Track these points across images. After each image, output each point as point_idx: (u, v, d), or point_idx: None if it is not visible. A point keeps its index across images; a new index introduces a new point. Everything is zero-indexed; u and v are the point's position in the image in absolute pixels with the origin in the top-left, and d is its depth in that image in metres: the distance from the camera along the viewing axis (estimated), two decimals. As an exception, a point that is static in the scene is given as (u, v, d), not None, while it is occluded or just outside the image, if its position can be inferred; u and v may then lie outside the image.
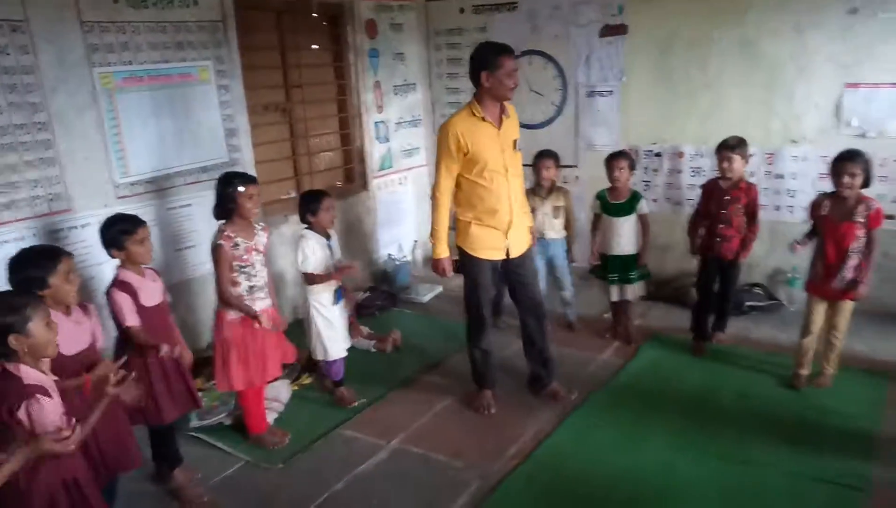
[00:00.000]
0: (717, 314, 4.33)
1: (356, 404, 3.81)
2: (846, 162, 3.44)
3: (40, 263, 2.43)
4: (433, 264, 3.60)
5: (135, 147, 3.95)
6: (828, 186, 4.53)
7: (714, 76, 4.88)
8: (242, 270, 3.27)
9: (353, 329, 4.26)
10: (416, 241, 6.18)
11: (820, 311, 3.63)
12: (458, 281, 5.67)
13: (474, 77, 3.31)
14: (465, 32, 5.82)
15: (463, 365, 4.22)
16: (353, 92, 5.48)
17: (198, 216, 4.29)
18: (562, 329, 4.63)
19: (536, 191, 4.44)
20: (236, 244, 3.23)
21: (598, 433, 3.41)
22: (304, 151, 5.22)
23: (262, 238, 3.37)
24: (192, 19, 4.17)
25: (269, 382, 3.50)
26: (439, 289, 5.55)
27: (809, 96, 4.58)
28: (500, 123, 3.38)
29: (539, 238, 4.36)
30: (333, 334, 3.73)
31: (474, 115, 3.33)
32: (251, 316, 3.23)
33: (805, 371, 3.70)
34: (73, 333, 2.48)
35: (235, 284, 3.26)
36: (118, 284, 2.86)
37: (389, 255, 5.83)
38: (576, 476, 3.10)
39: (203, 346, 4.32)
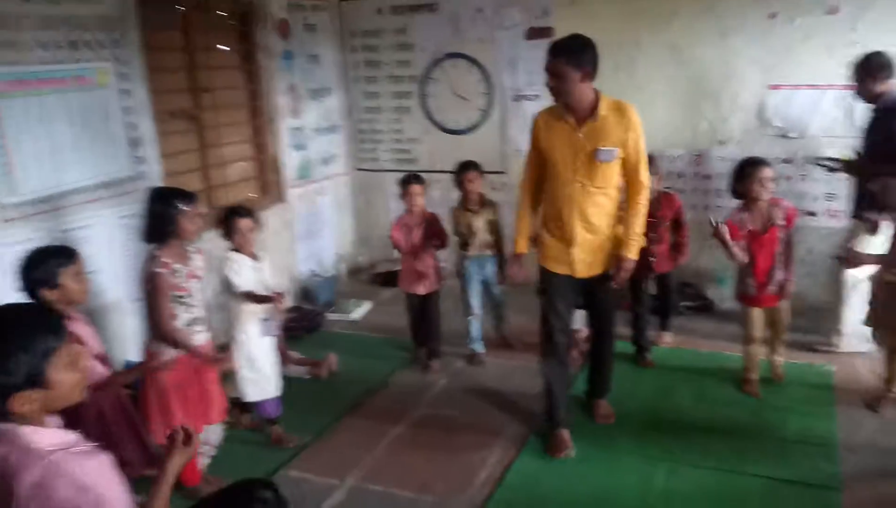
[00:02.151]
0: (661, 317, 4.31)
1: (296, 443, 3.44)
2: (764, 167, 3.44)
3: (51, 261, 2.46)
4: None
5: (23, 161, 3.39)
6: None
7: (642, 79, 4.88)
8: (181, 300, 2.85)
9: (282, 357, 3.90)
10: (338, 254, 5.83)
11: (759, 318, 3.63)
12: (388, 294, 5.46)
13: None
14: (384, 34, 5.56)
15: (410, 385, 3.98)
16: (266, 97, 5.08)
17: (98, 239, 3.78)
18: (500, 347, 4.41)
19: (468, 206, 4.13)
20: (175, 271, 2.82)
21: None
22: (215, 162, 4.76)
23: (198, 262, 2.98)
24: (88, 14, 3.66)
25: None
26: (369, 304, 5.24)
27: (735, 98, 4.67)
28: (581, 123, 2.99)
29: (477, 256, 4.16)
30: (253, 374, 3.34)
31: (556, 111, 3.05)
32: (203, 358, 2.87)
33: (755, 376, 3.70)
34: (89, 334, 2.50)
35: (172, 317, 2.84)
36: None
37: (312, 271, 5.46)
38: (554, 497, 2.93)
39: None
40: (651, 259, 3.97)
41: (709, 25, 4.62)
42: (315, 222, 5.61)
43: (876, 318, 3.35)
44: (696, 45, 4.69)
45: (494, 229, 4.16)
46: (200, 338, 2.95)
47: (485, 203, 4.15)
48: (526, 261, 3.38)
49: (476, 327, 4.27)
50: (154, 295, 2.78)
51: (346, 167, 5.97)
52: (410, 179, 4.06)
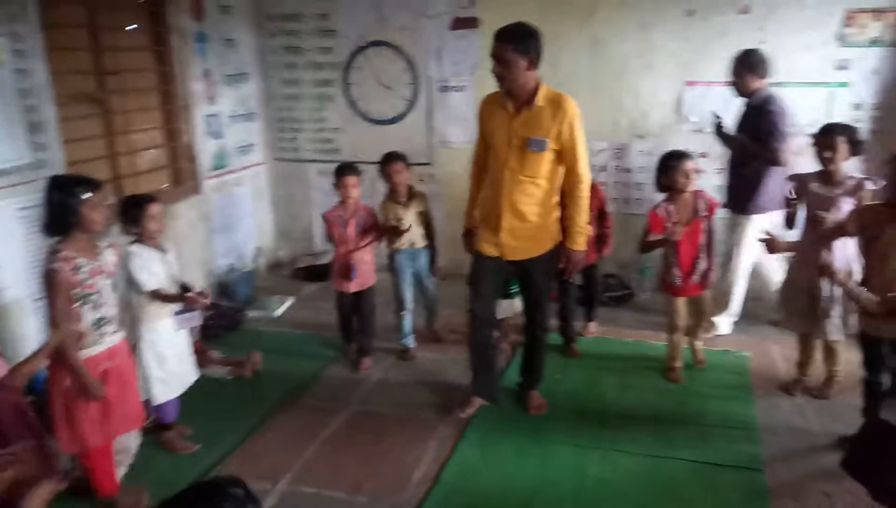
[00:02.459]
0: (586, 307, 4.38)
1: (194, 450, 3.25)
2: (687, 159, 3.55)
3: None
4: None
5: None
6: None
7: (566, 73, 4.91)
8: (88, 298, 2.62)
9: (201, 357, 3.71)
10: (258, 248, 5.61)
11: (683, 307, 3.74)
12: (311, 289, 5.29)
13: None
14: (304, 19, 5.37)
15: (340, 383, 3.87)
16: (180, 81, 4.80)
17: (-5, 232, 3.46)
18: (429, 341, 4.35)
19: (395, 198, 4.04)
20: (78, 267, 2.58)
21: (501, 444, 3.24)
22: (123, 150, 4.46)
23: (109, 257, 2.75)
24: (-23, -15, 3.33)
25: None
26: (291, 299, 5.07)
27: (654, 93, 4.80)
28: (518, 110, 3.01)
29: (407, 249, 4.09)
30: (163, 373, 3.13)
31: (499, 98, 3.09)
32: (87, 387, 2.60)
33: (678, 364, 3.81)
34: None
35: (78, 317, 2.60)
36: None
37: (230, 265, 5.22)
38: (491, 492, 2.91)
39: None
40: None
41: (630, 19, 4.73)
42: (232, 214, 5.37)
43: (787, 305, 3.51)
44: (618, 38, 4.79)
45: (424, 220, 4.09)
46: (111, 339, 2.74)
47: (413, 195, 4.07)
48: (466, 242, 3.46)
49: (408, 321, 4.20)
50: (50, 293, 2.55)
51: (264, 157, 5.75)
52: (345, 170, 3.91)
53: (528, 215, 3.12)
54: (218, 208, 5.19)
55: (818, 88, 4.49)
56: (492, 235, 3.19)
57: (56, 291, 2.54)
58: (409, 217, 4.01)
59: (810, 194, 3.35)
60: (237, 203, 5.43)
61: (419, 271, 4.16)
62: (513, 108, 3.03)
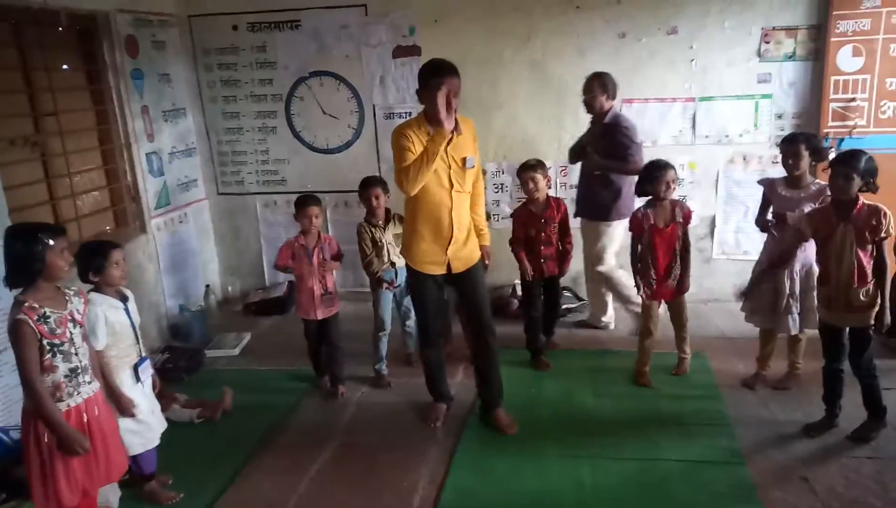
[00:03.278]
0: (547, 323, 4.49)
1: (179, 499, 3.13)
2: (668, 169, 3.76)
3: None
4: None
5: None
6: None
7: (506, 95, 5.10)
8: (58, 349, 2.48)
9: (164, 401, 3.57)
10: (207, 286, 5.44)
11: (657, 312, 3.93)
12: (266, 324, 5.18)
13: (418, 94, 3.24)
14: (242, 52, 5.31)
15: (318, 416, 3.82)
16: (118, 119, 4.64)
17: (-60, 288, 3.22)
18: (399, 364, 4.39)
19: (372, 221, 4.10)
20: (45, 317, 2.45)
21: (494, 462, 3.28)
22: (65, 193, 4.26)
23: (77, 305, 2.61)
24: None
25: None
26: (248, 335, 4.94)
27: (594, 112, 5.01)
28: (448, 139, 3.17)
29: (387, 269, 4.13)
30: (134, 424, 2.97)
31: (421, 128, 3.23)
32: (69, 442, 2.46)
33: (647, 368, 3.98)
34: None
35: (50, 369, 2.47)
36: None
37: (181, 306, 5.05)
38: (495, 511, 2.94)
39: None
40: (542, 261, 4.16)
41: (566, 44, 4.94)
42: (179, 252, 5.21)
43: (752, 302, 3.75)
44: (556, 61, 4.99)
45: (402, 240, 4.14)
46: (88, 390, 2.61)
47: (390, 217, 4.14)
48: None
49: (384, 345, 4.21)
50: (18, 347, 2.42)
51: (206, 192, 5.61)
52: (308, 201, 3.90)
53: (467, 226, 3.45)
54: (164, 248, 5.02)
55: (745, 100, 4.84)
56: (439, 254, 3.39)
57: (22, 343, 2.40)
58: (388, 238, 4.09)
59: (777, 196, 3.64)
60: (183, 241, 5.27)
61: (401, 290, 4.20)
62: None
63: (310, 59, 5.24)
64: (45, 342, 2.44)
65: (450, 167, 3.27)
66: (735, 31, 4.75)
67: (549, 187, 4.33)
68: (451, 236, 3.36)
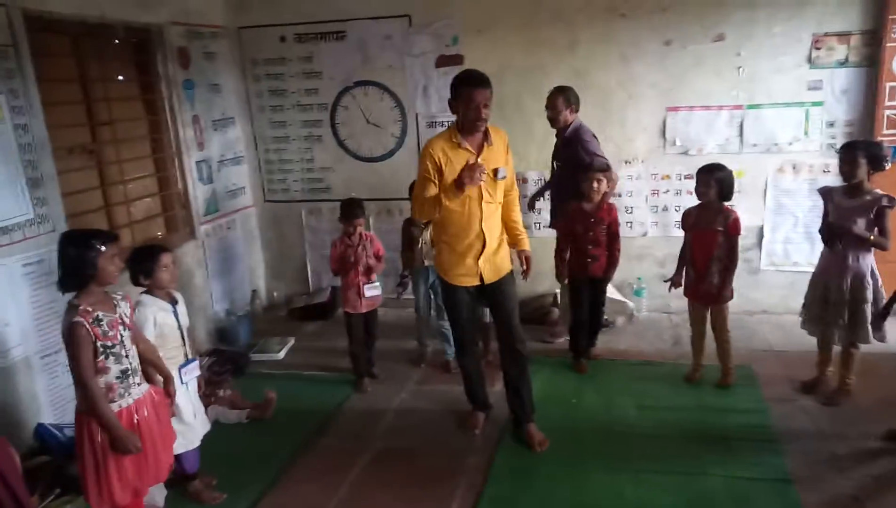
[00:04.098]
0: (589, 331, 4.45)
1: (222, 499, 3.20)
2: (702, 173, 3.81)
3: None
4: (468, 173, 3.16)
5: (-89, 208, 2.98)
6: (659, 201, 5.05)
7: (548, 104, 5.07)
8: (110, 351, 2.57)
9: (211, 400, 3.71)
10: (253, 291, 5.56)
11: (700, 312, 3.93)
12: (310, 329, 5.26)
13: (450, 104, 3.25)
14: (289, 62, 5.42)
15: (359, 419, 3.87)
16: (170, 128, 4.79)
17: (2, 289, 3.39)
18: (438, 370, 4.44)
19: (415, 221, 4.26)
20: (98, 320, 2.53)
21: (531, 473, 3.26)
22: (119, 200, 4.41)
23: (125, 309, 2.70)
24: (-25, 43, 3.30)
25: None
26: (292, 340, 5.03)
27: (638, 120, 4.97)
28: (480, 150, 3.24)
29: (421, 267, 4.32)
30: (179, 424, 3.05)
31: (452, 140, 3.23)
32: (121, 441, 2.54)
33: (700, 366, 4.01)
34: None
35: (103, 371, 2.56)
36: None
37: (227, 310, 5.17)
38: (533, 522, 2.93)
39: (23, 451, 3.36)
40: (588, 260, 4.13)
41: (610, 52, 4.90)
42: (226, 258, 5.33)
43: (808, 310, 3.71)
44: (599, 70, 4.96)
45: None
46: (138, 391, 2.70)
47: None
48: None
49: (423, 329, 4.51)
50: (73, 348, 2.49)
51: (253, 199, 5.73)
52: (356, 211, 4.11)
53: (498, 236, 3.43)
54: (212, 253, 5.15)
55: (794, 107, 4.72)
56: (471, 266, 3.38)
57: (79, 345, 2.48)
58: (424, 238, 4.25)
59: (833, 205, 3.58)
60: (230, 247, 5.39)
61: (434, 287, 4.34)
62: (473, 146, 3.25)
63: (354, 70, 5.32)
64: (98, 344, 2.52)
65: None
66: (784, 38, 4.65)
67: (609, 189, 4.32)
68: (483, 247, 3.34)
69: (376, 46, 5.25)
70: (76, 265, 2.52)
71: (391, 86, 5.31)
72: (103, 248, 2.55)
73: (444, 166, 3.22)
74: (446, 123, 5.18)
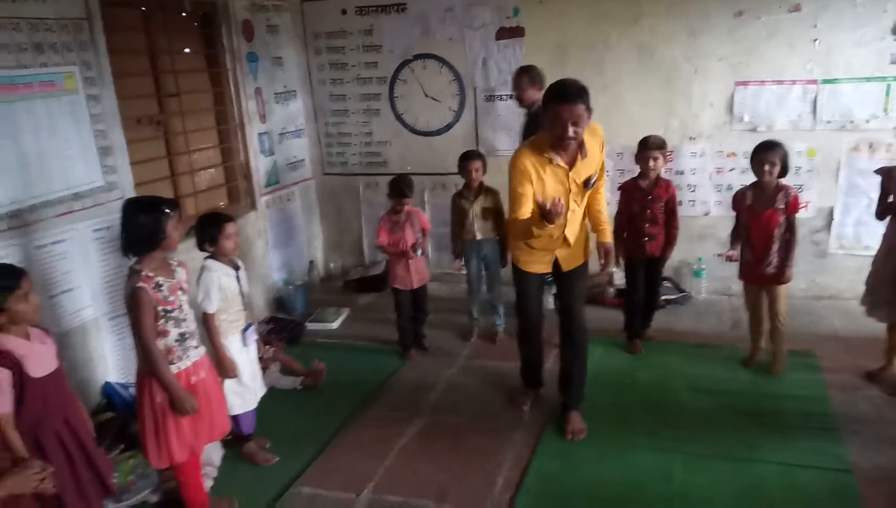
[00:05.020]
0: (644, 311, 4.36)
1: (275, 461, 3.31)
2: (766, 151, 3.62)
3: None
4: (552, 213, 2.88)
5: (-9, 173, 3.15)
6: (724, 179, 4.86)
7: (611, 78, 4.95)
8: (170, 315, 2.67)
9: (269, 362, 3.84)
10: (311, 262, 5.68)
11: (757, 295, 3.81)
12: (364, 301, 5.35)
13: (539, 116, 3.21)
14: (349, 35, 5.45)
15: (408, 390, 3.92)
16: (234, 101, 4.90)
17: (74, 254, 3.56)
18: (485, 342, 4.47)
19: (464, 194, 4.31)
20: (158, 285, 2.63)
21: (580, 448, 3.25)
22: (184, 169, 4.55)
23: (182, 274, 2.79)
24: (51, 16, 3.43)
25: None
26: (347, 311, 5.12)
27: (704, 95, 4.79)
28: (572, 162, 3.04)
29: (472, 240, 4.33)
30: (238, 386, 3.18)
31: (543, 155, 3.01)
32: (180, 402, 2.64)
33: (758, 350, 3.89)
34: (40, 354, 2.32)
35: (163, 334, 2.66)
36: (-6, 354, 2.21)
37: (285, 280, 5.29)
38: (578, 498, 2.92)
39: (91, 408, 3.55)
40: (645, 239, 4.04)
41: (676, 25, 4.73)
42: (285, 229, 5.45)
43: (873, 295, 3.56)
44: (664, 44, 4.79)
45: (490, 215, 4.28)
46: (196, 353, 2.80)
47: (482, 191, 4.27)
48: None
49: (472, 303, 4.52)
50: (136, 312, 2.58)
51: (312, 172, 5.83)
52: (404, 190, 4.13)
53: (580, 233, 3.32)
54: (272, 224, 5.27)
55: (875, 82, 4.45)
56: (547, 256, 3.31)
57: (142, 310, 2.57)
58: (476, 210, 4.25)
59: None
60: (289, 218, 5.51)
61: (486, 260, 4.39)
62: (565, 161, 3.03)
63: (414, 43, 5.31)
64: (159, 308, 2.62)
65: (569, 190, 3.09)
66: (867, 8, 4.37)
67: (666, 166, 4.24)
68: (564, 244, 3.26)
69: (436, 19, 5.22)
70: (145, 231, 2.60)
71: (450, 59, 5.27)
72: (170, 213, 2.64)
73: (534, 182, 3.02)
74: (504, 98, 5.18)
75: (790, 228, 3.65)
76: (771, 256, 3.66)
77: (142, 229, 2.60)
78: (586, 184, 3.13)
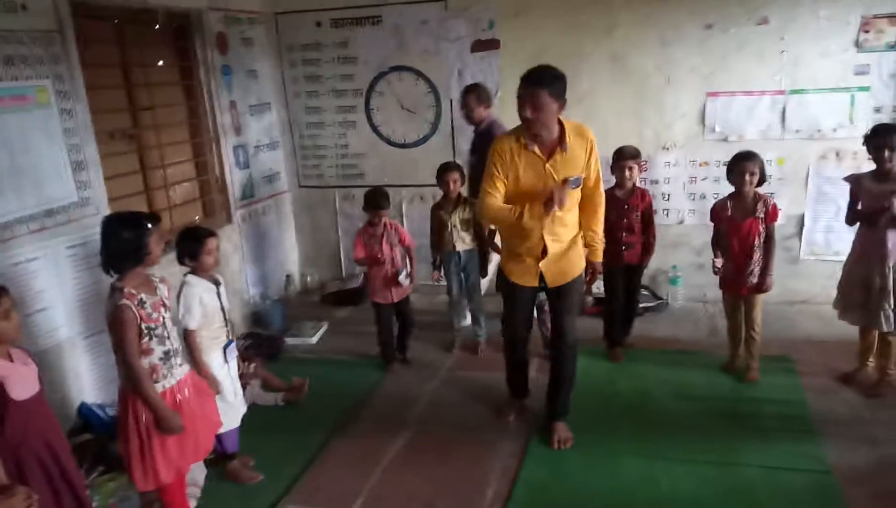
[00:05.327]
0: (624, 320, 4.40)
1: (259, 479, 3.26)
2: (745, 161, 3.67)
3: None
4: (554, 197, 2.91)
5: (-38, 189, 3.06)
6: (697, 188, 4.95)
7: (586, 89, 5.00)
8: (153, 332, 2.61)
9: (244, 380, 3.78)
10: (287, 276, 5.62)
11: (736, 304, 3.87)
12: (342, 314, 5.31)
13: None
14: (324, 48, 5.43)
15: (391, 403, 3.89)
16: (208, 114, 4.85)
17: (47, 272, 3.48)
18: (467, 353, 4.47)
19: (443, 205, 4.33)
20: (142, 302, 2.58)
21: (567, 458, 3.27)
22: (158, 184, 4.48)
23: (164, 291, 2.74)
24: (22, 28, 3.36)
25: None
26: (325, 325, 5.07)
27: (677, 105, 4.89)
28: (549, 154, 3.01)
29: (450, 251, 4.34)
30: (222, 403, 3.09)
31: (520, 140, 3.02)
32: (166, 421, 2.58)
33: (737, 356, 3.95)
34: (23, 376, 2.27)
35: (147, 352, 2.60)
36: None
37: (262, 294, 5.23)
38: (568, 507, 2.92)
39: (68, 429, 3.46)
40: (623, 248, 4.09)
41: (648, 35, 4.82)
42: (261, 243, 5.40)
43: (845, 298, 3.65)
44: (637, 54, 4.88)
45: (469, 225, 4.32)
46: (180, 371, 2.75)
47: (460, 202, 4.30)
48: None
49: (455, 311, 4.58)
50: (120, 330, 2.52)
51: (288, 184, 5.78)
52: (381, 202, 4.11)
53: (567, 240, 3.21)
54: (247, 238, 5.21)
55: (840, 93, 4.59)
56: (531, 268, 3.22)
57: (125, 328, 2.51)
58: (453, 221, 4.28)
59: (864, 191, 3.49)
60: (265, 232, 5.45)
61: (466, 271, 4.43)
62: (542, 151, 3.02)
63: (390, 55, 5.31)
64: (143, 326, 2.56)
65: (545, 184, 3.01)
66: (831, 21, 4.51)
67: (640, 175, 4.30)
68: (544, 254, 3.17)
69: (412, 31, 5.23)
70: (127, 247, 2.55)
71: (426, 71, 5.29)
72: (152, 229, 2.60)
73: (509, 165, 3.03)
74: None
75: (769, 236, 3.70)
76: (752, 265, 3.70)
77: (124, 245, 2.55)
78: (569, 184, 3.00)
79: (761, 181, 3.72)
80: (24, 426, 2.26)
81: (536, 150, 3.02)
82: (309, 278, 5.88)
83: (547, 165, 3.03)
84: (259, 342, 4.68)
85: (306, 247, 5.92)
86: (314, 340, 4.89)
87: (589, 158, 3.10)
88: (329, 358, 4.60)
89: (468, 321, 4.66)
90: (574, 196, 3.12)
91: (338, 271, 5.86)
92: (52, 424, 2.41)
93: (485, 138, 4.29)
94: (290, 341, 4.84)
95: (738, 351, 3.96)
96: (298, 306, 5.51)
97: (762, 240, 3.70)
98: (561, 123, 3.03)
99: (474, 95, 4.42)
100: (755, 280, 3.72)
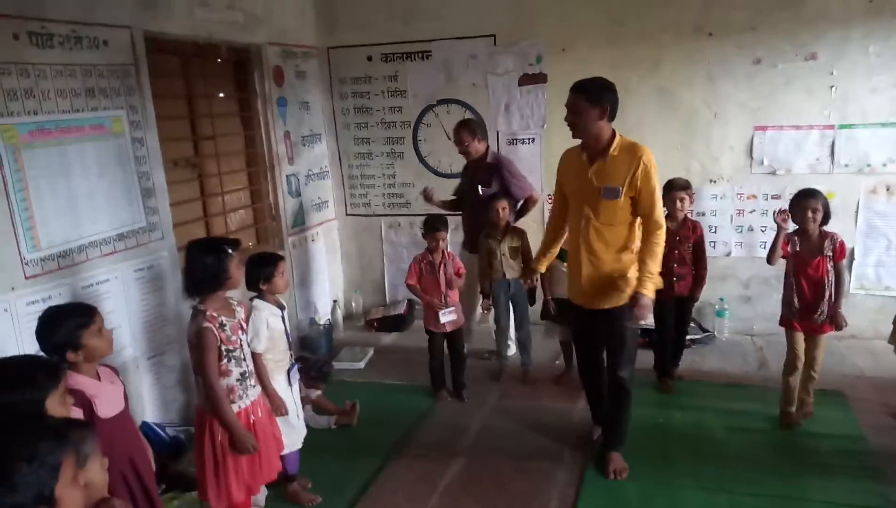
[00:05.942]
0: (674, 351, 4.40)
1: (318, 502, 3.31)
2: (808, 198, 3.60)
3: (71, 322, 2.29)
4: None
5: (44, 214, 3.20)
6: (745, 221, 4.96)
7: (633, 123, 5.04)
8: (232, 354, 2.70)
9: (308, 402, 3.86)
10: (335, 301, 5.71)
11: (802, 346, 3.69)
12: (387, 340, 5.38)
13: None
14: (374, 81, 5.58)
15: (443, 430, 3.92)
16: (264, 143, 5.00)
17: (115, 294, 3.60)
18: (515, 381, 4.49)
19: (492, 234, 4.37)
20: (222, 325, 2.67)
21: (624, 490, 3.26)
22: (216, 211, 4.62)
23: (241, 314, 2.84)
24: (102, 62, 3.53)
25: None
26: (371, 351, 5.14)
27: (724, 139, 4.93)
28: (593, 161, 3.14)
29: (500, 279, 4.37)
30: (286, 425, 3.15)
31: (577, 147, 3.26)
32: (241, 441, 2.66)
33: (794, 409, 3.75)
34: (109, 394, 2.37)
35: (225, 373, 2.69)
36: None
37: (311, 319, 5.32)
38: (628, 538, 2.92)
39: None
40: (673, 279, 4.09)
41: (696, 70, 4.89)
42: (309, 269, 5.50)
43: None
44: (684, 89, 4.95)
45: (518, 254, 4.37)
46: (253, 392, 2.82)
47: (508, 231, 4.34)
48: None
49: (501, 342, 4.58)
50: (202, 352, 2.61)
51: (335, 213, 5.91)
52: (438, 226, 4.16)
53: (607, 262, 3.18)
54: (298, 264, 5.32)
55: (890, 127, 4.61)
56: (576, 282, 3.31)
57: (207, 349, 2.60)
58: (502, 249, 4.33)
59: None
60: (313, 259, 5.56)
61: (514, 299, 4.44)
62: (587, 159, 3.17)
63: (438, 88, 5.45)
64: (223, 348, 2.65)
65: (585, 192, 3.16)
66: (880, 57, 4.55)
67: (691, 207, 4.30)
68: (581, 268, 3.23)
69: (460, 65, 5.37)
70: (210, 271, 2.65)
71: (474, 104, 5.41)
72: (233, 254, 2.70)
73: (562, 171, 3.36)
74: (528, 140, 5.32)
75: (839, 274, 3.62)
76: (823, 304, 3.60)
77: (206, 269, 2.65)
78: (602, 192, 3.07)
79: (826, 219, 3.64)
80: (110, 443, 2.34)
81: (584, 157, 3.19)
82: (354, 304, 5.97)
83: (589, 172, 3.14)
84: (309, 366, 4.74)
85: (352, 273, 6.02)
86: (362, 365, 4.96)
87: (633, 176, 3.06)
88: (378, 383, 4.66)
89: (513, 350, 4.69)
90: (611, 211, 3.12)
91: (382, 298, 5.95)
92: (137, 443, 2.49)
93: (496, 169, 4.54)
94: (338, 365, 4.91)
95: (792, 408, 3.76)
96: (344, 332, 5.60)
97: (831, 278, 3.62)
98: (612, 135, 3.13)
99: (466, 129, 4.52)
100: (824, 319, 3.62)
